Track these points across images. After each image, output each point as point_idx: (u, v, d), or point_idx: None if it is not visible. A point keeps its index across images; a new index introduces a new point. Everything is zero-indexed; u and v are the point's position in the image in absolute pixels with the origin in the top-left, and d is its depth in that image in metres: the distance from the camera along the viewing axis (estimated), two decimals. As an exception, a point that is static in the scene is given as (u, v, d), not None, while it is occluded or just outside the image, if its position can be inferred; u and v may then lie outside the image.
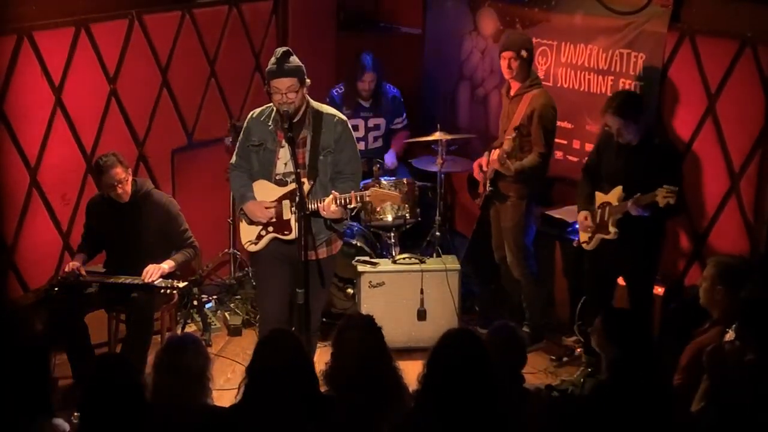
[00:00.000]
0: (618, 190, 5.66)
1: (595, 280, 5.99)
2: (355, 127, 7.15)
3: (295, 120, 5.17)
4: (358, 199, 5.13)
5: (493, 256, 6.70)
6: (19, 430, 3.83)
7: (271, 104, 5.26)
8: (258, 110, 5.39)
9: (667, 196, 5.30)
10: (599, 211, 5.78)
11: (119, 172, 5.81)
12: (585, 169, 6.01)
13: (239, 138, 5.46)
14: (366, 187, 5.31)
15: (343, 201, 5.11)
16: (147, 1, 6.68)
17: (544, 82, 6.73)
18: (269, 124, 5.29)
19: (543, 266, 6.58)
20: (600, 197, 5.82)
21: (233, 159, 5.48)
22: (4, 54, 5.96)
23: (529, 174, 6.16)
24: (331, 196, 5.11)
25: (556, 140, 6.44)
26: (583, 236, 5.94)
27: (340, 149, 5.27)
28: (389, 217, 6.68)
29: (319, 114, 5.26)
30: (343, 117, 5.36)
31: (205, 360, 4.08)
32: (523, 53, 6.12)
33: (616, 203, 5.65)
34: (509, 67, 6.15)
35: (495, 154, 6.22)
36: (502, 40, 6.62)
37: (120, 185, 5.83)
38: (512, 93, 6.26)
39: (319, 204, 5.14)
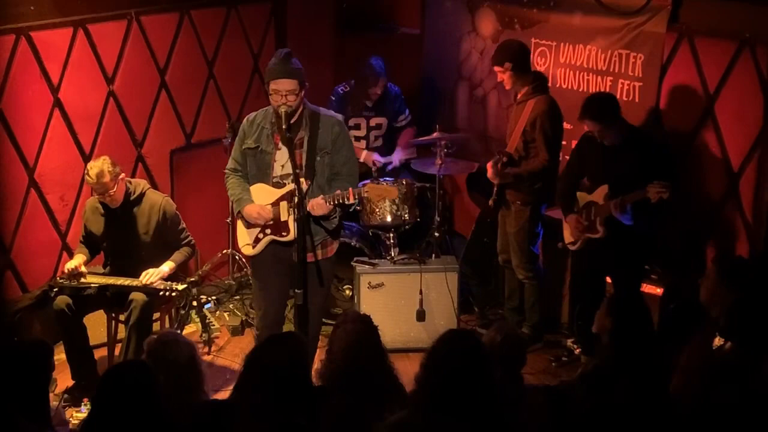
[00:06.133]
0: (604, 189, 5.65)
1: (586, 280, 5.99)
2: (357, 126, 7.15)
3: (293, 121, 5.17)
4: (356, 195, 5.12)
5: (493, 256, 6.71)
6: None
7: (266, 108, 5.28)
8: (253, 114, 5.41)
9: (659, 192, 5.26)
10: (584, 211, 5.78)
11: (106, 181, 5.70)
12: (565, 174, 6.01)
13: (235, 142, 5.48)
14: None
15: (341, 199, 5.09)
16: (145, 1, 6.68)
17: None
18: (265, 126, 5.29)
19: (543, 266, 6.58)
20: (584, 197, 5.82)
21: (229, 164, 5.48)
22: (2, 54, 5.96)
23: (529, 179, 6.14)
24: (320, 196, 5.11)
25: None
26: (568, 238, 5.93)
27: (337, 150, 5.27)
28: (388, 218, 6.67)
29: (316, 115, 5.27)
30: (340, 118, 5.39)
31: (190, 349, 4.08)
32: (507, 65, 6.13)
33: (602, 202, 5.65)
34: (503, 80, 6.24)
35: (489, 167, 6.21)
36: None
37: (108, 193, 5.74)
38: (519, 98, 6.27)
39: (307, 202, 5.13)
